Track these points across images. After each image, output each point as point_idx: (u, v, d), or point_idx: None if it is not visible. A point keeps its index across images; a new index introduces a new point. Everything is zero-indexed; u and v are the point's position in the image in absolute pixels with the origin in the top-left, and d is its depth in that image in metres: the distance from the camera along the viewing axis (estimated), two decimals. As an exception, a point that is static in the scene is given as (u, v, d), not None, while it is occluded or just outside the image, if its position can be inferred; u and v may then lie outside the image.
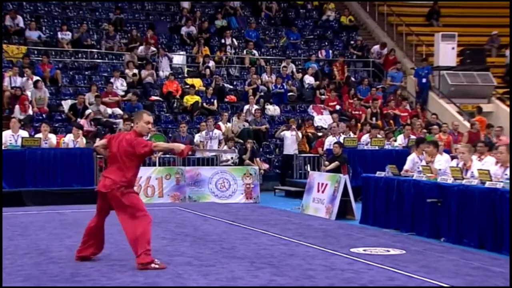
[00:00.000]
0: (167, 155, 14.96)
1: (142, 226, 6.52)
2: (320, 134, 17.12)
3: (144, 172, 13.09)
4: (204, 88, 18.62)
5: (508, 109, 19.81)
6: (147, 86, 18.54)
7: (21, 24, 19.18)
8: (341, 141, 14.60)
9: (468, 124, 18.19)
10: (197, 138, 15.60)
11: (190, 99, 17.96)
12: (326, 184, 11.50)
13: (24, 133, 13.61)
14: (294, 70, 20.48)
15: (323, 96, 19.57)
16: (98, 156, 13.74)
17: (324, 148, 15.51)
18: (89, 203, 12.37)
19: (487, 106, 20.34)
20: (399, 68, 21.10)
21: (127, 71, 18.57)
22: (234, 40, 21.00)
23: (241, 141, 16.35)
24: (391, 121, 18.50)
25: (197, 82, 18.88)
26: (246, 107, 17.90)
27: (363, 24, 24.45)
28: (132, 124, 7.65)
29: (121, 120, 16.07)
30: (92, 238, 6.88)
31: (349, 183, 11.28)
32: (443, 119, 18.44)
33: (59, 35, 19.21)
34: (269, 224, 10.13)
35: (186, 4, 22.08)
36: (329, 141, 15.24)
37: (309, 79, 20.11)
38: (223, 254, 7.51)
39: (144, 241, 6.49)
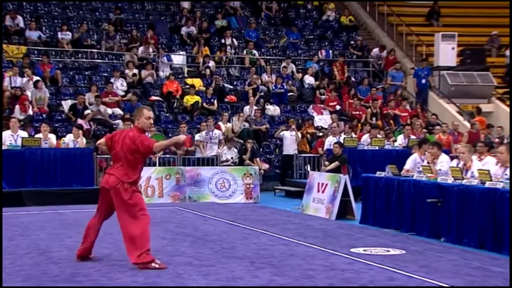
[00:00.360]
0: (167, 155, 14.97)
1: (141, 226, 6.52)
2: (320, 134, 17.12)
3: (144, 172, 12.98)
4: (204, 88, 18.62)
5: (508, 109, 19.81)
6: (147, 86, 18.55)
7: (21, 24, 19.18)
8: (341, 141, 14.59)
9: (468, 124, 18.20)
10: (197, 138, 15.60)
11: (190, 99, 17.96)
12: (326, 184, 11.50)
13: (23, 133, 13.61)
14: (294, 70, 20.49)
15: (323, 96, 19.58)
16: (98, 156, 13.77)
17: (324, 148, 15.51)
18: (89, 203, 12.38)
19: (487, 106, 20.35)
20: (398, 68, 21.10)
21: (127, 71, 18.57)
22: (234, 40, 21.01)
23: (241, 141, 16.35)
24: (391, 121, 18.51)
25: (197, 82, 18.88)
26: (247, 108, 17.89)
27: (363, 24, 24.45)
28: (132, 125, 7.70)
29: (121, 121, 16.08)
30: (89, 235, 6.89)
31: (349, 183, 11.28)
32: (443, 119, 18.44)
33: (59, 35, 19.22)
34: (269, 224, 10.13)
35: (186, 4, 22.09)
36: (329, 141, 15.24)
37: (309, 79, 20.12)
38: (223, 254, 7.51)
39: (144, 241, 6.49)
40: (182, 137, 6.72)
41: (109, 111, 16.86)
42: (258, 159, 15.58)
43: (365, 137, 15.53)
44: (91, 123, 15.87)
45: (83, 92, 17.22)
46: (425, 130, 16.69)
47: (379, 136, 15.52)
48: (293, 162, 16.11)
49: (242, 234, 9.09)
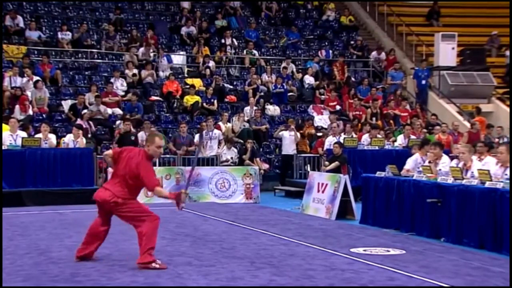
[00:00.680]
0: (167, 155, 14.98)
1: (147, 225, 6.53)
2: (320, 134, 17.13)
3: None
4: (204, 88, 18.62)
5: (508, 109, 19.81)
6: (147, 86, 18.55)
7: (21, 24, 19.19)
8: (341, 141, 14.59)
9: (468, 124, 18.20)
10: (196, 138, 15.60)
11: (190, 99, 17.96)
12: (326, 184, 11.50)
13: (22, 133, 13.62)
14: (294, 70, 20.49)
15: (323, 96, 19.58)
16: (98, 156, 13.76)
17: (324, 148, 15.51)
18: (89, 203, 12.36)
19: (487, 106, 20.35)
20: (397, 68, 21.10)
21: (127, 71, 18.57)
22: (234, 40, 21.01)
23: (241, 141, 16.35)
24: (391, 121, 18.51)
25: (197, 82, 18.89)
26: (247, 108, 17.89)
27: (363, 24, 24.45)
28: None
29: (120, 121, 16.08)
30: (94, 240, 6.88)
31: (349, 183, 11.27)
32: (443, 119, 18.45)
33: (59, 35, 19.22)
34: (269, 224, 10.13)
35: (186, 4, 22.09)
36: (329, 141, 15.24)
37: (309, 79, 20.12)
38: (223, 254, 7.51)
39: (149, 240, 6.49)
40: (183, 197, 6.66)
41: (109, 111, 16.86)
42: (258, 159, 15.58)
43: (365, 137, 15.54)
44: (90, 123, 15.86)
45: (83, 92, 17.22)
46: (425, 130, 16.69)
47: (379, 136, 15.52)
48: (292, 162, 16.11)
49: (242, 234, 9.09)
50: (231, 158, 15.20)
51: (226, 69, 20.27)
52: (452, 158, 10.31)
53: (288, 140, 16.18)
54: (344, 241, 8.48)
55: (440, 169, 9.52)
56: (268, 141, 17.54)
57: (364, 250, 7.76)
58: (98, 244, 6.91)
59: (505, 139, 15.59)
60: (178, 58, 20.26)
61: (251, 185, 13.94)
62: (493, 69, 21.82)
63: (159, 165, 14.18)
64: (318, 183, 11.76)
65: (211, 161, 15.06)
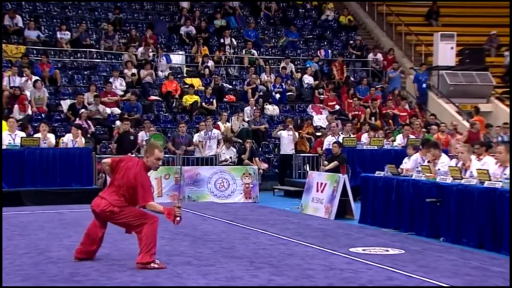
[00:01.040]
0: (166, 155, 14.96)
1: (146, 227, 6.53)
2: (318, 134, 17.13)
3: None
4: (203, 88, 18.62)
5: (507, 109, 19.82)
6: (146, 85, 18.54)
7: (20, 24, 19.18)
8: (340, 140, 14.60)
9: (467, 124, 18.20)
10: (196, 138, 15.60)
11: (189, 99, 17.96)
12: (325, 184, 11.50)
13: (21, 133, 13.61)
14: (293, 69, 20.49)
15: (322, 96, 19.58)
16: (97, 156, 13.75)
17: (323, 148, 15.51)
18: (88, 203, 12.35)
19: (486, 106, 20.36)
20: (396, 68, 21.09)
21: (126, 71, 18.57)
22: (233, 39, 21.00)
23: (240, 141, 16.35)
24: (390, 121, 18.51)
25: (196, 82, 18.88)
26: (247, 109, 17.88)
27: (362, 24, 24.46)
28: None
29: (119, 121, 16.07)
30: (91, 241, 6.88)
31: (348, 182, 11.28)
32: (442, 119, 18.46)
33: (58, 34, 19.20)
34: (268, 223, 10.13)
35: (185, 4, 22.08)
36: (328, 141, 15.24)
37: (308, 79, 20.12)
38: (222, 253, 7.51)
39: (148, 241, 6.49)
40: (177, 211, 6.62)
41: (108, 110, 16.85)
42: (257, 158, 15.58)
43: (364, 137, 15.54)
44: (89, 122, 15.85)
45: (82, 92, 17.22)
46: (424, 130, 16.69)
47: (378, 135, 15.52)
48: (291, 161, 16.11)
49: (241, 234, 9.09)
50: (230, 157, 15.20)
51: (225, 69, 20.26)
52: (451, 158, 10.31)
53: (287, 139, 16.18)
54: (343, 241, 8.48)
55: (439, 169, 9.53)
56: (267, 141, 17.54)
57: (363, 250, 7.76)
58: (97, 246, 6.91)
59: (505, 138, 15.59)
60: (177, 58, 20.25)
61: (250, 185, 13.94)
62: (492, 68, 21.83)
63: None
64: (317, 183, 11.76)
65: (210, 161, 15.06)
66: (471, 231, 8.26)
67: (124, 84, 18.15)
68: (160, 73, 19.12)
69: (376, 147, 14.79)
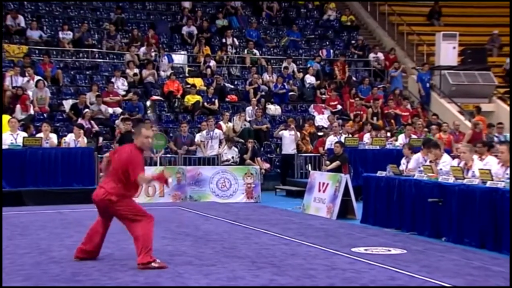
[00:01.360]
0: (168, 155, 14.98)
1: (142, 226, 6.53)
2: (320, 133, 17.12)
3: (145, 172, 13.05)
4: (205, 88, 18.62)
5: (509, 108, 19.78)
6: (148, 85, 18.54)
7: (22, 24, 19.20)
8: (342, 140, 14.58)
9: (469, 124, 18.17)
10: (198, 138, 15.60)
11: (191, 99, 17.96)
12: (327, 184, 11.49)
13: (23, 133, 13.62)
14: (295, 69, 20.48)
15: (324, 96, 19.57)
16: (99, 156, 13.75)
17: (325, 148, 15.50)
18: (89, 203, 12.34)
19: (488, 106, 20.33)
20: (397, 68, 21.08)
21: (128, 70, 18.57)
22: (235, 39, 21.00)
23: (242, 140, 16.35)
24: (392, 121, 18.50)
25: (198, 82, 18.88)
26: (249, 109, 17.88)
27: (364, 24, 24.44)
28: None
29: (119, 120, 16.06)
30: (92, 241, 6.89)
31: (350, 182, 11.27)
32: (444, 119, 18.43)
33: (60, 34, 19.22)
34: (270, 223, 10.13)
35: (187, 4, 22.09)
36: (330, 141, 15.22)
37: (310, 79, 20.11)
38: (224, 253, 7.51)
39: (146, 241, 6.49)
40: (166, 173, 6.63)
41: (110, 110, 16.86)
42: (259, 158, 15.58)
43: (367, 136, 15.53)
44: (92, 122, 15.86)
45: (84, 92, 17.23)
46: (426, 130, 16.68)
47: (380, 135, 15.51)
48: (292, 161, 16.10)
49: (243, 234, 9.08)
50: (232, 157, 15.20)
51: (227, 69, 20.26)
52: (453, 158, 10.29)
53: (288, 139, 16.17)
54: (345, 241, 8.48)
55: (441, 169, 9.51)
56: (269, 141, 17.53)
57: (365, 250, 7.75)
58: (97, 247, 6.90)
59: (501, 138, 15.52)
60: (179, 58, 20.26)
61: (252, 185, 13.94)
62: (494, 68, 21.80)
63: (160, 165, 14.17)
64: (319, 183, 11.75)
65: (212, 161, 15.06)
66: (473, 231, 8.25)
67: (126, 84, 18.16)
68: (162, 73, 19.13)
69: (378, 147, 14.77)
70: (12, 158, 12.88)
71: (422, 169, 9.76)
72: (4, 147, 13.01)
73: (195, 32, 20.88)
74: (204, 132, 15.56)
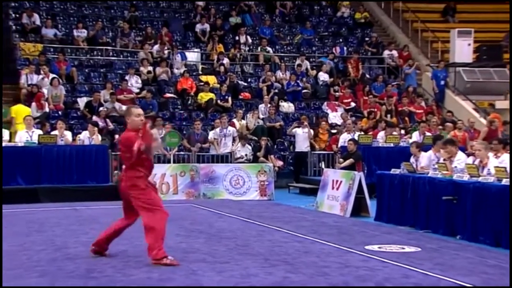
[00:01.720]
0: (182, 152, 15.02)
1: (156, 220, 6.50)
2: (334, 131, 17.07)
3: (159, 169, 13.15)
4: (218, 85, 18.65)
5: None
6: (161, 83, 18.61)
7: (38, 22, 19.36)
8: (356, 138, 14.54)
9: (484, 121, 18.02)
10: (211, 135, 15.63)
11: (204, 96, 18.00)
12: (341, 181, 11.46)
13: (38, 131, 13.74)
14: (309, 67, 20.44)
15: (337, 93, 19.51)
16: (113, 153, 13.85)
17: (339, 145, 15.46)
18: (104, 199, 12.50)
19: (503, 103, 20.12)
20: (411, 65, 20.95)
21: (141, 68, 18.65)
22: (248, 37, 21.00)
23: (256, 138, 16.35)
24: (406, 118, 18.40)
25: (211, 79, 18.91)
26: (262, 106, 17.87)
27: (378, 21, 24.32)
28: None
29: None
30: (108, 230, 6.93)
31: (364, 180, 11.24)
32: (459, 116, 18.30)
33: (75, 32, 19.34)
34: (283, 221, 10.13)
35: (200, 2, 22.12)
36: (344, 138, 15.19)
37: (323, 76, 20.06)
38: (237, 251, 7.52)
39: (158, 235, 6.49)
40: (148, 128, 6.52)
41: (124, 108, 16.91)
42: (272, 156, 15.58)
43: (381, 134, 15.46)
44: (107, 120, 15.96)
45: (98, 90, 17.34)
46: (440, 127, 16.57)
47: (394, 133, 15.43)
48: (306, 159, 16.08)
49: (257, 231, 9.09)
50: (246, 155, 15.21)
51: (240, 66, 20.27)
52: (468, 155, 10.22)
53: (301, 137, 16.15)
54: (359, 238, 8.45)
55: (455, 166, 9.45)
56: (282, 138, 17.52)
57: (379, 248, 7.73)
58: (111, 236, 6.92)
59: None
60: (193, 55, 20.30)
61: (265, 182, 13.94)
62: (509, 65, 21.56)
63: (174, 162, 14.23)
64: (333, 180, 11.73)
65: (225, 158, 15.09)
66: (488, 229, 8.19)
67: (139, 81, 18.23)
68: (175, 71, 19.18)
69: (391, 144, 14.71)
70: (27, 155, 13.02)
71: (436, 167, 9.70)
72: (20, 144, 13.16)
73: (209, 29, 20.90)
74: (217, 130, 15.59)
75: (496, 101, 19.44)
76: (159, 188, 13.12)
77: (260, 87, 19.05)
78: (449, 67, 20.84)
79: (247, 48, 20.75)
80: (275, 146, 17.06)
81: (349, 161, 13.32)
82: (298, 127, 16.33)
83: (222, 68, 19.46)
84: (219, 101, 18.08)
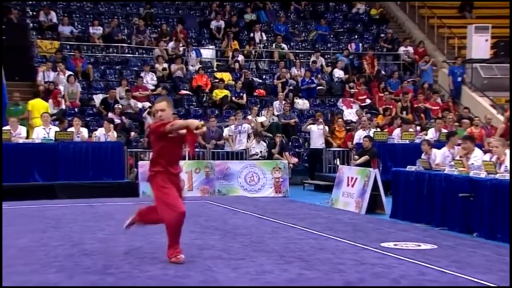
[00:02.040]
0: (197, 149, 15.05)
1: (170, 216, 6.38)
2: (349, 127, 17.02)
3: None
4: (233, 82, 18.66)
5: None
6: (176, 80, 18.66)
7: (54, 20, 19.53)
8: (371, 134, 14.48)
9: (501, 118, 17.85)
10: (226, 132, 15.65)
11: (219, 93, 18.02)
12: (356, 178, 11.43)
13: (55, 127, 13.86)
14: (324, 63, 20.38)
15: (352, 90, 19.44)
16: (129, 150, 13.92)
17: (354, 142, 15.41)
18: (119, 196, 12.58)
19: (521, 100, 19.92)
20: (427, 61, 20.80)
21: (157, 65, 18.72)
22: (263, 34, 20.99)
23: (270, 135, 16.35)
24: (422, 115, 18.28)
25: (226, 76, 18.93)
26: (276, 103, 17.87)
27: (394, 17, 24.17)
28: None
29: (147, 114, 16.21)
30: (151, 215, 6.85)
31: (379, 177, 11.19)
32: (476, 113, 18.15)
33: (91, 30, 19.47)
34: (298, 218, 10.12)
35: (215, -1, 22.16)
36: (359, 135, 15.13)
37: (338, 73, 19.99)
38: (252, 247, 7.53)
39: (173, 232, 6.44)
40: (195, 122, 6.26)
41: (139, 105, 17.02)
42: (287, 153, 15.57)
43: (397, 131, 15.38)
44: (123, 117, 16.05)
45: (114, 87, 17.44)
46: (457, 124, 16.45)
47: (410, 130, 15.35)
48: (321, 156, 16.05)
49: (271, 228, 9.09)
50: (260, 152, 15.22)
51: (255, 63, 20.26)
52: (484, 152, 10.14)
53: (316, 133, 16.12)
54: (374, 236, 8.42)
55: (472, 163, 9.38)
56: (297, 135, 17.50)
57: (395, 245, 7.70)
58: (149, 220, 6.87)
59: None
60: (207, 52, 20.33)
61: (280, 179, 13.94)
62: (509, 65, 21.33)
63: (189, 159, 14.27)
64: (348, 177, 11.70)
65: (240, 155, 15.10)
66: (506, 226, 8.12)
67: (155, 78, 18.31)
68: (190, 68, 19.23)
69: (407, 141, 14.64)
70: (44, 152, 13.14)
71: (452, 164, 9.64)
72: (37, 141, 13.31)
73: (223, 26, 20.92)
74: (232, 127, 15.61)
75: (513, 97, 19.23)
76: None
77: (275, 84, 19.04)
78: (465, 63, 20.67)
79: (262, 45, 20.74)
80: (290, 143, 17.05)
81: (364, 158, 13.28)
82: (313, 124, 16.30)
83: (237, 65, 19.47)
84: (234, 98, 18.09)
